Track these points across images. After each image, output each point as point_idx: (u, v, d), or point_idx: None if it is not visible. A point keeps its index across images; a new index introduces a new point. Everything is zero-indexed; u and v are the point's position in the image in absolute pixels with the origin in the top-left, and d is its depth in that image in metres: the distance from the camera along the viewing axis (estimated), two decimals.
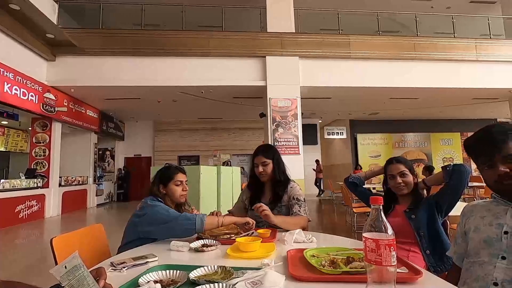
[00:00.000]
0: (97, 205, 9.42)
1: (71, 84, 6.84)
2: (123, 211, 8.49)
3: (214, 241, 1.24)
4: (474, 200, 1.09)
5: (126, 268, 0.93)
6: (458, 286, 0.95)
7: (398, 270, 0.83)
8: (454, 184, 1.39)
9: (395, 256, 0.61)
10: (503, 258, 0.84)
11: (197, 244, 1.19)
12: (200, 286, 0.71)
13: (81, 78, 6.75)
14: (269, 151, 1.75)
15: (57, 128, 7.42)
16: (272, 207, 1.69)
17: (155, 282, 0.75)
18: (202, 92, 7.34)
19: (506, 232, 0.85)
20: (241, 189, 2.48)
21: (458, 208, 1.37)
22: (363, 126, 11.80)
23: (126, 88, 6.98)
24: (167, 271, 0.85)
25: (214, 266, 0.86)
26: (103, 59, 6.75)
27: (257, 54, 6.99)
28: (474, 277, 0.90)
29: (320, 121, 12.20)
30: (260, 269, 0.85)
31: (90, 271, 0.57)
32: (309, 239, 1.23)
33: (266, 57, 6.96)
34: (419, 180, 1.54)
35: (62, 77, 6.75)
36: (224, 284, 0.72)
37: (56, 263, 1.23)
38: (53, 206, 7.21)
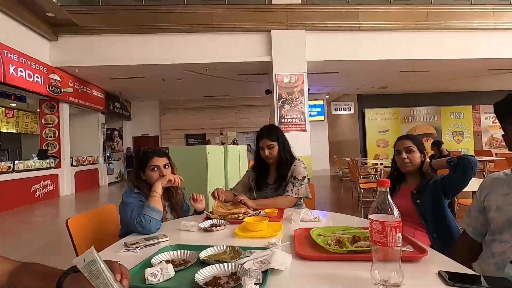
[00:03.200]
0: (108, 183, 9.71)
1: (75, 64, 6.79)
2: None
3: (223, 221, 1.27)
4: (484, 175, 1.05)
5: (139, 248, 0.96)
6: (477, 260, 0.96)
7: (403, 248, 0.84)
8: (458, 177, 1.35)
9: (401, 237, 0.62)
10: None
11: (206, 224, 1.23)
12: (210, 266, 0.74)
13: (84, 58, 6.68)
14: (273, 133, 1.72)
15: (64, 109, 7.49)
16: (277, 187, 1.71)
17: (167, 262, 0.78)
18: (206, 70, 7.22)
19: None
20: (248, 167, 2.50)
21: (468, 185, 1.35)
22: (371, 100, 11.56)
23: (129, 67, 6.90)
24: (178, 251, 0.88)
25: (223, 246, 0.89)
26: (104, 37, 6.62)
27: (262, 28, 6.74)
28: (491, 253, 0.91)
29: (327, 97, 11.97)
30: (267, 248, 0.87)
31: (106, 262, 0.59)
32: (316, 217, 1.26)
33: (271, 31, 6.72)
34: (427, 159, 1.50)
35: (66, 57, 6.69)
36: (233, 264, 0.74)
37: (73, 243, 1.29)
38: (66, 186, 7.47)
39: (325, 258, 0.81)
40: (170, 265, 0.72)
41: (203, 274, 0.70)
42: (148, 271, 0.70)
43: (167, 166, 1.47)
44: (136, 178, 1.46)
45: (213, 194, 1.58)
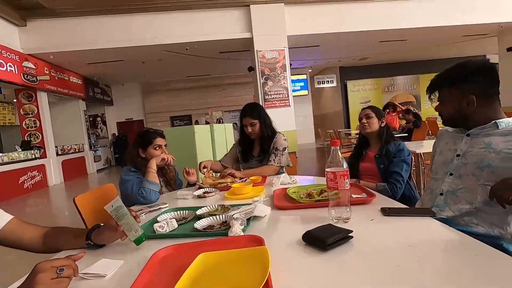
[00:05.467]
0: (97, 170, 9.71)
1: (48, 51, 6.54)
2: None
3: (213, 188, 1.46)
4: None
5: (144, 213, 1.14)
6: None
7: (359, 196, 1.05)
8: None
9: (348, 182, 0.81)
10: (451, 174, 1.07)
11: (199, 192, 1.41)
12: (205, 218, 0.93)
13: (57, 43, 6.43)
14: (255, 111, 1.88)
15: (42, 98, 7.29)
16: (262, 159, 1.90)
17: (170, 219, 0.96)
18: (187, 49, 7.12)
19: (458, 155, 1.07)
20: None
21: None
22: (353, 72, 11.74)
23: (106, 51, 6.71)
24: (178, 211, 1.07)
25: (215, 205, 1.08)
26: (77, 20, 6.35)
27: (241, 3, 6.63)
28: (428, 191, 1.16)
29: (310, 71, 12.05)
30: (251, 204, 1.06)
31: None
32: (293, 181, 1.46)
33: (250, 6, 6.62)
34: (383, 123, 1.72)
35: (37, 43, 6.42)
36: (223, 216, 0.93)
37: (82, 217, 1.45)
38: (54, 175, 7.46)
39: (297, 207, 1.02)
40: (173, 219, 0.90)
41: (200, 224, 0.89)
42: (156, 225, 0.88)
43: (166, 147, 1.66)
44: (136, 155, 1.62)
45: (199, 167, 1.75)
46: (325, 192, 1.08)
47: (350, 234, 0.70)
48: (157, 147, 1.61)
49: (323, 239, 0.66)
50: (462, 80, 1.04)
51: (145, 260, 0.68)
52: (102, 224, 0.82)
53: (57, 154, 7.72)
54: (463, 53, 11.04)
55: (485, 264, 0.57)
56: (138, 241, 0.79)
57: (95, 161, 9.73)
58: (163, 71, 9.57)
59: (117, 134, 11.24)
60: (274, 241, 0.75)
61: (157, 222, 0.92)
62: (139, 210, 1.16)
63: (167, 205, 1.24)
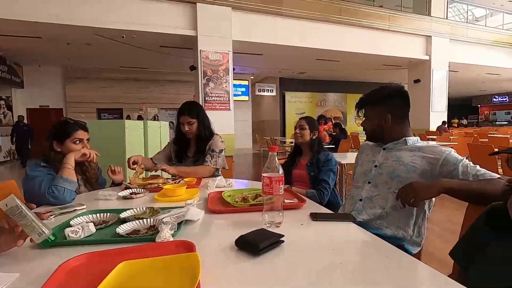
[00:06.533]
0: None
1: None
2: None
3: (142, 189, 1.34)
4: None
5: (54, 216, 0.97)
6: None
7: (291, 201, 1.10)
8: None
9: (283, 188, 0.84)
10: (369, 182, 1.21)
11: (125, 192, 1.28)
12: (130, 222, 0.84)
13: None
14: (194, 110, 1.82)
15: None
16: (197, 159, 1.85)
17: (87, 222, 0.84)
18: (123, 37, 6.52)
19: (376, 166, 1.22)
20: None
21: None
22: (291, 84, 12.47)
23: (20, 23, 5.66)
24: (98, 214, 0.93)
25: (142, 207, 0.99)
26: None
27: None
28: (350, 197, 1.29)
29: (252, 78, 12.36)
30: (183, 207, 1.01)
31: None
32: (229, 184, 1.45)
33: (197, 4, 6.47)
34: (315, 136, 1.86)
35: None
36: (151, 219, 0.86)
37: None
38: None
39: (232, 211, 1.01)
40: (91, 223, 0.79)
41: (123, 228, 0.80)
42: (68, 229, 0.75)
43: (88, 141, 1.46)
44: (49, 148, 1.38)
45: (128, 163, 1.60)
46: (259, 196, 1.09)
47: (282, 239, 0.72)
48: (77, 141, 1.40)
49: (255, 244, 0.67)
50: (382, 100, 1.19)
51: (49, 272, 0.57)
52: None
53: None
54: (383, 80, 12.81)
55: (394, 263, 0.65)
56: (45, 243, 0.67)
57: None
58: (92, 57, 8.56)
59: (21, 123, 9.33)
60: (206, 246, 0.72)
61: (70, 226, 0.79)
62: (48, 212, 0.99)
63: (84, 206, 1.08)
